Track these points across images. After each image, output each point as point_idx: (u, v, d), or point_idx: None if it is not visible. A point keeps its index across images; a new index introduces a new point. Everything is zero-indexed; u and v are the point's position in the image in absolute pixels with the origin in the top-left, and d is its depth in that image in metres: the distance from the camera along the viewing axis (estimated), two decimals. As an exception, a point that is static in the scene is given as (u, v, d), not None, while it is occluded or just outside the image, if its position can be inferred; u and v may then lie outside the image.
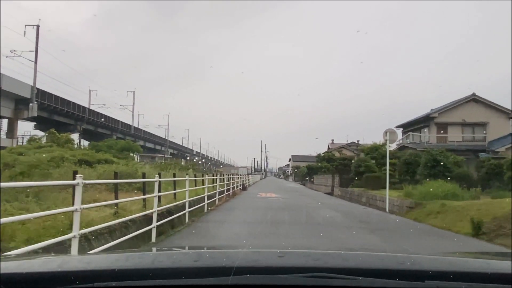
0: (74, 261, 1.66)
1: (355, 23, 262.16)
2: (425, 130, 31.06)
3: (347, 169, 28.34)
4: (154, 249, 4.13)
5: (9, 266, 1.31)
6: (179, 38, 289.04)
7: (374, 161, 24.42)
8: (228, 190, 21.73)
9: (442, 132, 29.14)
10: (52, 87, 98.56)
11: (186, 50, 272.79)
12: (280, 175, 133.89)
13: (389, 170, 16.10)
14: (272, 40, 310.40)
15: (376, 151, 25.40)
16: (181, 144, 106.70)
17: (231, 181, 24.19)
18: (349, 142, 59.62)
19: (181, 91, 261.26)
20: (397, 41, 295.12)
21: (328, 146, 69.19)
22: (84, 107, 49.64)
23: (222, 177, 21.27)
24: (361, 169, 24.50)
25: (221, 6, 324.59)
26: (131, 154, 30.82)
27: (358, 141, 61.86)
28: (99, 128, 55.00)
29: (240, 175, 42.88)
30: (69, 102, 44.84)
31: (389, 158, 16.47)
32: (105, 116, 57.75)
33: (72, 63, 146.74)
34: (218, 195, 17.34)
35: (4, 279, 1.13)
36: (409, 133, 30.78)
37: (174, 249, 2.47)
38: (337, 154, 39.52)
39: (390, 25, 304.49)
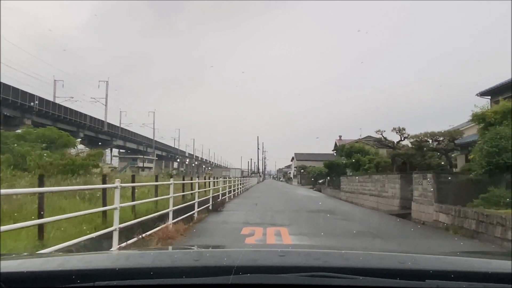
0: (75, 260, 1.56)
1: (355, 23, 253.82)
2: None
3: (424, 164, 16.01)
4: (154, 248, 4.32)
5: (10, 265, 1.30)
6: (178, 40, 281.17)
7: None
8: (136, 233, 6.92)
9: None
10: (45, 91, 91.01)
11: (186, 52, 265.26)
12: (280, 178, 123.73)
13: None
14: (272, 41, 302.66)
15: None
16: (172, 145, 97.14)
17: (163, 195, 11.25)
18: (363, 136, 49.21)
19: (180, 93, 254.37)
20: (398, 41, 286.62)
21: (336, 143, 59.54)
22: (33, 96, 39.51)
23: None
24: None
25: (221, 8, 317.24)
26: (67, 149, 20.96)
27: (383, 135, 51.42)
28: (59, 123, 44.94)
29: (230, 178, 32.95)
30: (7, 86, 34.86)
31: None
32: (70, 110, 48.01)
33: (70, 65, 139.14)
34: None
35: (5, 278, 1.11)
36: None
37: (175, 248, 2.71)
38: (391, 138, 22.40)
39: (390, 26, 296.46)
